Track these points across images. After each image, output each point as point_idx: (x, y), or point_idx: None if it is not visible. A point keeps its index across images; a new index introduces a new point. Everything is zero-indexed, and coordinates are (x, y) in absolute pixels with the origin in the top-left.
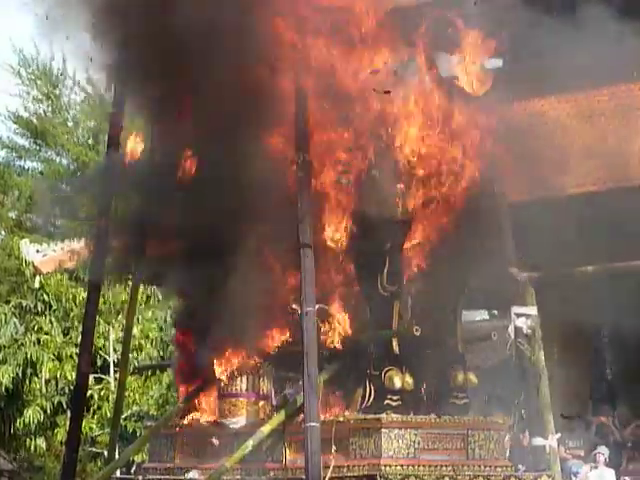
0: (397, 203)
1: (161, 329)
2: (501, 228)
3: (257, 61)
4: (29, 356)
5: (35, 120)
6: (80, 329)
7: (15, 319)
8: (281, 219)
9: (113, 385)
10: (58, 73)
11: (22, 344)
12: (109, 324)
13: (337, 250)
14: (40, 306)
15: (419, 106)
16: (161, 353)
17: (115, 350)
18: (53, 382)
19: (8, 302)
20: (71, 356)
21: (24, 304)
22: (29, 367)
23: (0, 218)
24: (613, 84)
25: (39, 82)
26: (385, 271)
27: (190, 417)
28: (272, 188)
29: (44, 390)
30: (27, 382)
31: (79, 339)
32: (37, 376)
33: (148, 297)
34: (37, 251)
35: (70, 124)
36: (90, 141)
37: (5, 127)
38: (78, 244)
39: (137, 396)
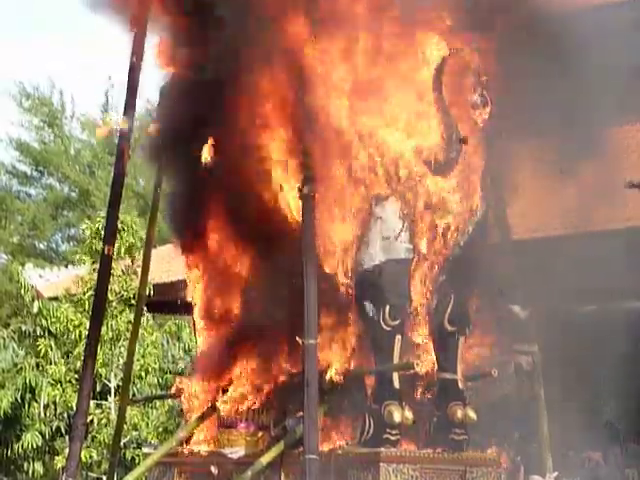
0: (401, 239)
1: (163, 355)
2: (504, 265)
3: None
4: (28, 381)
5: (37, 147)
6: (79, 354)
7: (14, 343)
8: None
9: (113, 411)
10: (58, 104)
11: (21, 368)
12: (111, 350)
13: (341, 283)
14: (39, 331)
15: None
16: (160, 381)
17: (116, 376)
18: (52, 407)
19: (8, 325)
20: (70, 381)
21: (23, 329)
22: (28, 392)
23: (1, 242)
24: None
25: (40, 111)
26: (388, 305)
27: (189, 446)
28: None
29: (42, 415)
30: (26, 407)
31: (78, 364)
32: (36, 401)
33: (150, 326)
34: (40, 276)
35: (72, 152)
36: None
37: (7, 154)
38: (81, 270)
39: (136, 420)
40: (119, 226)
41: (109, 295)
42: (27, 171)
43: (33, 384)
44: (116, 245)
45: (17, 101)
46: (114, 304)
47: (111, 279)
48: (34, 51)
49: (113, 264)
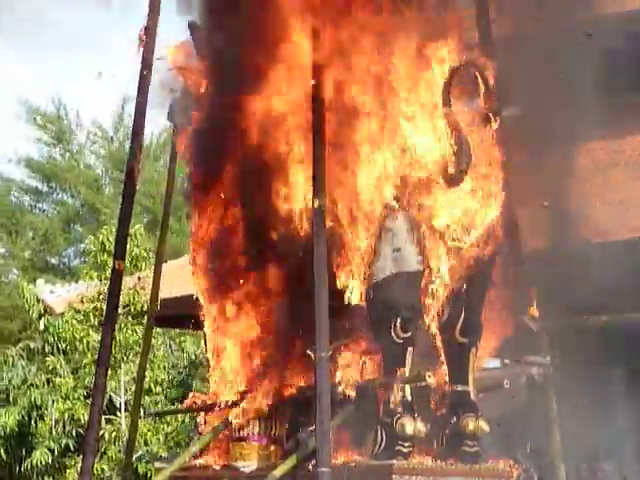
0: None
1: (172, 367)
2: (516, 276)
3: None
4: (33, 399)
5: (47, 163)
6: (88, 365)
7: (22, 361)
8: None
9: (124, 426)
10: (67, 119)
11: (32, 384)
12: (119, 364)
13: (352, 295)
14: (47, 347)
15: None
16: (169, 393)
17: (127, 390)
18: (61, 424)
19: (19, 341)
20: (79, 398)
21: (32, 346)
22: (36, 409)
23: (13, 257)
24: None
25: (50, 128)
26: (399, 318)
27: (202, 460)
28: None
29: (53, 432)
30: (34, 424)
31: (86, 380)
32: (42, 419)
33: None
34: (51, 291)
35: (82, 167)
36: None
37: (18, 170)
38: (92, 285)
39: (148, 436)
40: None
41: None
42: (38, 186)
43: (41, 401)
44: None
45: (26, 119)
46: (121, 317)
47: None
48: (43, 66)
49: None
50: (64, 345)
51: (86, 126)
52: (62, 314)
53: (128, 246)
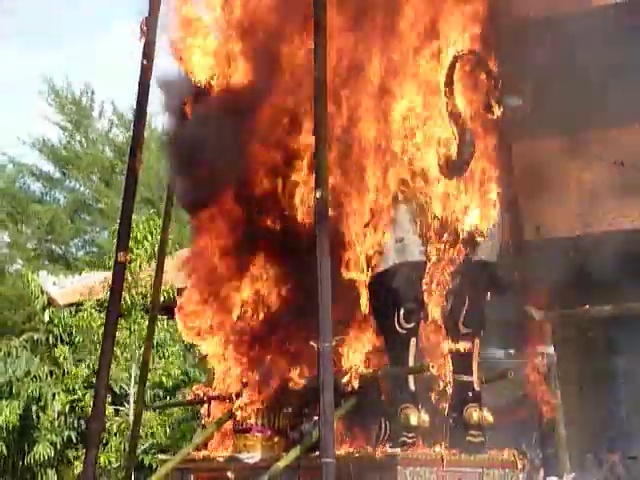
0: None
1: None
2: (519, 266)
3: None
4: (35, 390)
5: (62, 148)
6: (92, 361)
7: (26, 353)
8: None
9: (132, 417)
10: (86, 102)
11: (34, 376)
12: (131, 355)
13: (355, 287)
14: (51, 339)
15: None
16: (180, 378)
17: (136, 382)
18: (63, 417)
19: (23, 332)
20: (80, 388)
21: (35, 337)
22: (38, 401)
23: (18, 247)
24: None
25: (68, 112)
26: (402, 308)
27: (206, 451)
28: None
29: (55, 424)
30: (35, 417)
31: (92, 369)
32: (44, 411)
33: (170, 332)
34: (54, 283)
35: (96, 154)
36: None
37: (32, 154)
38: (96, 276)
39: (154, 427)
40: (145, 229)
41: (136, 298)
42: (50, 170)
43: (39, 393)
44: (143, 248)
45: (45, 101)
46: (138, 308)
47: (138, 282)
48: (67, 53)
49: (142, 267)
50: (68, 337)
51: (104, 113)
52: (71, 305)
53: (150, 236)
